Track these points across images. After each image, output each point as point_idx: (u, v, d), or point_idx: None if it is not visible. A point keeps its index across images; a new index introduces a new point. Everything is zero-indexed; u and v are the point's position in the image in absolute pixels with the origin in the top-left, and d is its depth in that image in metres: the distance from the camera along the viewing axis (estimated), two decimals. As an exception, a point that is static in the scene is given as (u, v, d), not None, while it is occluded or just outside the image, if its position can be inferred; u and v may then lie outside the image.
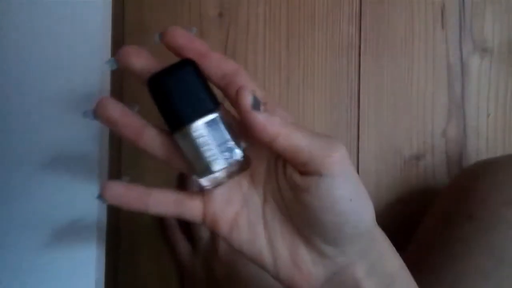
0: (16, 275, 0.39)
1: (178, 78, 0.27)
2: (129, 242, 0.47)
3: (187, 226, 0.46)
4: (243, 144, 0.28)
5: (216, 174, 0.27)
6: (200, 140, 0.27)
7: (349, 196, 0.26)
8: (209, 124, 0.27)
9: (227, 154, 0.27)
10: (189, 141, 0.27)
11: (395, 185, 0.48)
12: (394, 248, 0.30)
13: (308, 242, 0.28)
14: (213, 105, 0.27)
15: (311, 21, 0.48)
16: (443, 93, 0.48)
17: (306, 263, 0.28)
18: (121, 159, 0.47)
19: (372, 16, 0.48)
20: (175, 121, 0.27)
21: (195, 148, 0.27)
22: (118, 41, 0.47)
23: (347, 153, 0.26)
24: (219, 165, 0.27)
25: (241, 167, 0.28)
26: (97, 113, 0.29)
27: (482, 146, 0.48)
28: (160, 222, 0.47)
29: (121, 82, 0.47)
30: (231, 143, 0.27)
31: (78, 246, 0.40)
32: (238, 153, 0.27)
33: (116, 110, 0.29)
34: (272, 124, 0.25)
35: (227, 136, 0.27)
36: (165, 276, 0.47)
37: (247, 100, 0.25)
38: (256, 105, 0.25)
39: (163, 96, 0.27)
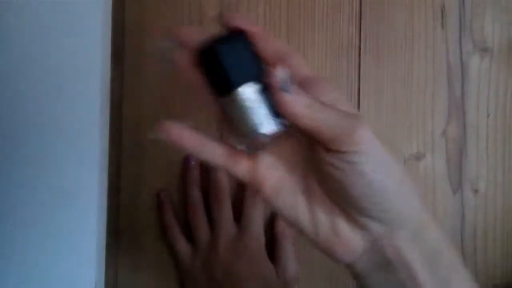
0: (16, 275, 0.39)
1: (230, 45, 0.28)
2: (129, 242, 0.47)
3: (187, 227, 0.46)
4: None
5: (261, 137, 0.28)
6: (247, 104, 0.28)
7: (375, 170, 0.27)
8: (258, 90, 0.28)
9: (271, 121, 0.28)
10: (238, 104, 0.28)
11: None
12: (437, 222, 0.30)
13: (345, 213, 0.29)
14: (262, 74, 0.28)
15: (311, 21, 0.48)
16: (443, 93, 0.48)
17: (344, 231, 0.29)
18: (121, 159, 0.47)
19: (372, 16, 0.48)
20: (226, 84, 0.28)
21: (243, 111, 0.28)
22: (118, 41, 0.47)
23: (369, 130, 0.28)
24: (264, 129, 0.28)
25: (282, 136, 0.29)
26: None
27: (482, 146, 0.48)
28: (160, 222, 0.47)
29: (121, 82, 0.47)
30: (275, 113, 0.28)
31: (78, 246, 0.40)
32: (281, 122, 0.28)
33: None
34: (295, 105, 0.27)
35: (272, 105, 0.28)
36: (165, 276, 0.47)
37: (277, 78, 0.27)
38: (285, 84, 0.27)
39: (215, 61, 0.28)
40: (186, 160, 0.47)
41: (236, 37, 0.29)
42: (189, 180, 0.46)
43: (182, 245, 0.45)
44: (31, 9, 0.40)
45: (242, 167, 0.30)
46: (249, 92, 0.28)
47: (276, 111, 0.28)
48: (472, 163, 0.48)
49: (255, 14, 0.48)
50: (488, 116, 0.48)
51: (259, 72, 0.29)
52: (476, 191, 0.48)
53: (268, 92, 0.28)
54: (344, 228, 0.29)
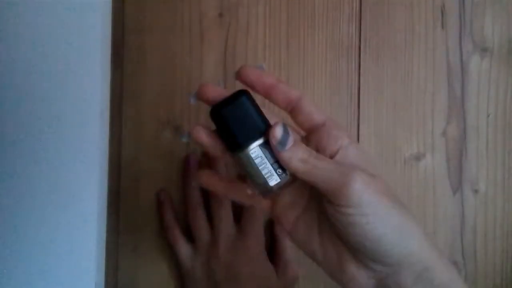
0: (16, 275, 0.39)
1: (234, 107, 0.31)
2: (129, 242, 0.47)
3: (187, 227, 0.46)
4: None
5: (269, 189, 0.31)
6: (255, 161, 0.31)
7: (366, 221, 0.28)
8: (263, 145, 0.31)
9: (277, 174, 0.31)
10: (246, 161, 0.31)
11: (395, 185, 0.48)
12: (445, 259, 0.31)
13: (350, 253, 0.31)
14: (266, 129, 0.31)
15: (311, 21, 0.48)
16: (443, 93, 0.48)
17: (351, 269, 0.31)
18: (121, 159, 0.47)
19: (372, 16, 0.48)
20: (234, 145, 0.31)
21: (251, 167, 0.31)
22: (118, 41, 0.47)
23: (362, 183, 0.28)
24: (272, 182, 0.31)
25: (291, 181, 0.32)
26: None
27: (482, 146, 0.48)
28: (160, 222, 0.47)
29: (121, 82, 0.47)
30: (272, 168, 0.31)
31: (78, 246, 0.40)
32: (282, 175, 0.31)
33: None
34: (291, 162, 0.30)
35: (271, 159, 0.31)
36: (165, 277, 0.47)
37: (275, 137, 0.30)
38: (283, 141, 0.30)
39: (223, 124, 0.31)
40: (186, 160, 0.47)
41: (239, 97, 0.31)
42: (190, 180, 0.46)
43: (182, 245, 0.45)
44: (31, 9, 0.40)
45: (264, 206, 0.35)
46: (255, 151, 0.31)
47: (276, 165, 0.31)
48: (472, 163, 0.48)
49: (255, 14, 0.48)
50: (488, 116, 0.48)
51: (263, 126, 0.31)
52: (476, 191, 0.48)
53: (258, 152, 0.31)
54: (351, 266, 0.31)
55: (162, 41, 0.47)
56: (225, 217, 0.45)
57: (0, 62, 0.39)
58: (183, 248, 0.45)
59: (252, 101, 0.31)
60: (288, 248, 0.46)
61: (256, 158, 0.31)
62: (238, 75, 0.33)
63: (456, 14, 0.48)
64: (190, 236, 0.46)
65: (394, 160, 0.48)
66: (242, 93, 0.31)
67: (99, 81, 0.41)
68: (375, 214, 0.29)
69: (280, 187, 0.31)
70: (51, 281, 0.39)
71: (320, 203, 0.32)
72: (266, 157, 0.31)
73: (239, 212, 0.46)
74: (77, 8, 0.41)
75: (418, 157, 0.48)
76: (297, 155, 0.30)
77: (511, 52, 0.49)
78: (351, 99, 0.48)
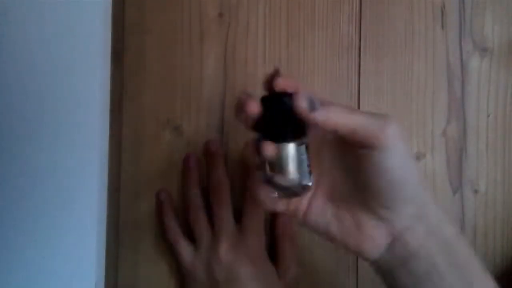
0: (16, 275, 0.39)
1: (290, 101, 0.31)
2: (129, 242, 0.47)
3: (187, 227, 0.46)
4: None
5: (300, 188, 0.33)
6: (298, 156, 0.32)
7: (398, 165, 0.31)
8: (304, 146, 0.33)
9: (308, 175, 0.33)
10: (290, 154, 0.32)
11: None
12: (449, 217, 0.34)
13: (368, 208, 0.32)
14: (302, 132, 0.33)
15: (311, 21, 0.48)
16: (443, 93, 0.48)
17: (368, 227, 0.33)
18: (121, 159, 0.47)
19: (372, 16, 0.48)
20: (285, 134, 0.32)
21: (294, 162, 0.32)
22: (118, 41, 0.47)
23: (397, 128, 0.31)
24: (306, 181, 0.33)
25: (305, 191, 0.34)
26: None
27: (482, 146, 0.48)
28: (160, 222, 0.47)
29: (121, 82, 0.47)
30: (305, 170, 0.33)
31: (78, 246, 0.40)
32: (311, 179, 0.33)
33: None
34: (330, 117, 0.30)
35: (304, 162, 0.33)
36: (165, 277, 0.47)
37: (304, 104, 0.30)
38: (312, 105, 0.30)
39: (280, 111, 0.32)
40: (186, 160, 0.47)
41: (288, 96, 0.32)
42: (190, 180, 0.46)
43: (183, 245, 0.45)
44: (31, 9, 0.40)
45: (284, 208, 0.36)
46: (300, 147, 0.32)
47: (308, 169, 0.33)
48: (472, 163, 0.48)
49: (255, 14, 0.48)
50: (488, 116, 0.48)
51: (305, 129, 0.33)
52: (476, 191, 0.48)
53: (307, 149, 0.33)
54: (368, 224, 0.33)
55: (162, 41, 0.47)
56: (226, 216, 0.45)
57: (0, 62, 0.39)
58: (184, 248, 0.45)
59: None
60: (289, 248, 0.46)
61: (299, 154, 0.32)
62: (270, 83, 0.33)
63: (456, 14, 0.48)
64: (190, 236, 0.46)
65: (394, 160, 0.48)
66: (290, 93, 0.32)
67: (99, 81, 0.41)
68: (406, 157, 0.31)
69: (307, 190, 0.34)
70: (51, 281, 0.39)
71: (335, 163, 0.34)
72: (305, 157, 0.33)
73: (239, 212, 0.46)
74: (77, 8, 0.41)
75: (418, 157, 0.48)
76: (332, 108, 0.31)
77: (511, 52, 0.49)
78: (351, 99, 0.48)
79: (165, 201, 0.46)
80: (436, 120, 0.48)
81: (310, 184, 0.33)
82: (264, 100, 0.32)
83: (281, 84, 0.32)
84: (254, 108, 0.31)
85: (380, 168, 0.31)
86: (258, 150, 0.32)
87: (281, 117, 0.32)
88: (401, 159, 0.31)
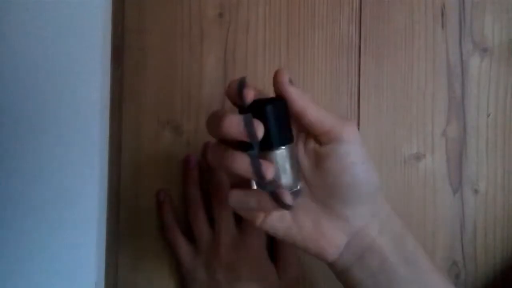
0: (17, 275, 0.39)
1: (280, 107, 0.32)
2: (129, 242, 0.47)
3: (188, 227, 0.46)
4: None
5: (299, 192, 0.33)
6: (291, 160, 0.33)
7: (362, 160, 0.33)
8: (291, 150, 0.33)
9: (294, 180, 0.33)
10: (284, 159, 0.32)
11: (395, 185, 0.48)
12: (395, 211, 0.36)
13: (329, 210, 0.34)
14: (291, 138, 0.33)
15: (311, 21, 0.48)
16: (443, 93, 0.48)
17: (328, 229, 0.34)
18: (121, 159, 0.47)
19: (372, 16, 0.48)
20: (276, 140, 0.32)
21: (286, 166, 0.32)
22: (118, 41, 0.47)
23: (356, 129, 0.33)
24: (300, 184, 0.34)
25: (298, 196, 0.34)
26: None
27: (482, 146, 0.48)
28: (160, 222, 0.47)
29: (121, 82, 0.47)
30: (296, 174, 0.33)
31: (78, 246, 0.40)
32: (299, 184, 0.34)
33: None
34: (305, 97, 0.32)
35: (294, 167, 0.33)
36: (165, 276, 0.47)
37: (285, 77, 0.32)
38: (291, 82, 0.32)
39: (272, 118, 0.31)
40: (186, 160, 0.47)
41: (281, 100, 0.32)
42: (190, 180, 0.46)
43: (183, 246, 0.45)
44: (31, 9, 0.40)
45: None
46: (290, 151, 0.33)
47: (298, 174, 0.33)
48: (472, 163, 0.48)
49: (255, 14, 0.48)
50: (488, 116, 0.48)
51: (292, 133, 0.33)
52: (476, 191, 0.48)
53: (294, 156, 0.33)
54: (328, 225, 0.34)
55: (162, 41, 0.47)
56: (227, 217, 0.45)
57: (0, 62, 0.39)
58: (184, 248, 0.45)
59: (287, 108, 0.33)
60: (289, 248, 0.46)
61: (291, 158, 0.33)
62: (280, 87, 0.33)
63: (456, 14, 0.48)
64: (190, 236, 0.46)
65: (394, 160, 0.48)
66: (279, 99, 0.33)
67: (99, 81, 0.41)
68: (366, 155, 0.33)
69: (299, 195, 0.34)
70: (51, 281, 0.39)
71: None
72: (295, 161, 0.33)
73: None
74: (78, 8, 0.41)
75: (418, 157, 0.48)
76: (306, 94, 0.33)
77: (511, 52, 0.49)
78: (351, 99, 0.48)
79: (165, 201, 0.46)
80: (436, 120, 0.48)
81: (298, 188, 0.34)
82: (254, 109, 0.31)
83: (251, 96, 0.31)
84: (251, 96, 0.31)
85: (344, 162, 0.32)
86: (255, 166, 0.31)
87: (276, 121, 0.32)
88: (363, 156, 0.33)
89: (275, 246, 0.46)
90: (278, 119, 0.32)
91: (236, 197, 0.33)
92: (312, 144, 0.34)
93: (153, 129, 0.47)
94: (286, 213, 0.34)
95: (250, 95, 0.31)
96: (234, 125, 0.30)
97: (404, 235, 0.35)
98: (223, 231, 0.44)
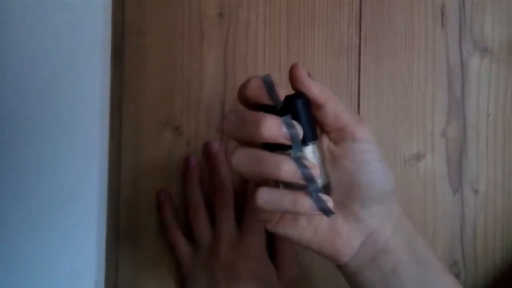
0: (17, 275, 0.39)
1: (300, 105, 0.31)
2: (129, 242, 0.47)
3: (188, 227, 0.46)
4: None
5: (329, 185, 0.32)
6: (314, 158, 0.31)
7: (378, 158, 0.32)
8: (318, 146, 0.32)
9: (323, 176, 0.32)
10: (314, 154, 0.31)
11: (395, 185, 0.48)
12: (405, 212, 0.35)
13: (345, 210, 0.33)
14: (317, 134, 0.32)
15: (311, 21, 0.48)
16: (443, 93, 0.48)
17: (344, 229, 0.33)
18: (121, 159, 0.47)
19: (372, 16, 0.48)
20: (310, 135, 0.31)
21: (317, 161, 0.31)
22: (118, 42, 0.47)
23: (370, 129, 0.32)
24: (325, 180, 0.32)
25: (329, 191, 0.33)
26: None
27: (482, 146, 0.48)
28: (160, 222, 0.47)
29: (121, 82, 0.47)
30: (323, 170, 0.32)
31: (78, 246, 0.40)
32: (325, 181, 0.32)
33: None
34: (326, 89, 0.31)
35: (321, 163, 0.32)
36: (165, 276, 0.47)
37: (304, 71, 0.31)
38: (309, 75, 0.31)
39: (306, 114, 0.31)
40: (186, 160, 0.47)
41: (303, 97, 0.31)
42: (190, 180, 0.46)
43: (183, 246, 0.45)
44: (31, 9, 0.40)
45: None
46: (316, 148, 0.31)
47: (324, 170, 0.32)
48: (472, 163, 0.48)
49: (255, 14, 0.48)
50: (488, 116, 0.48)
51: (317, 132, 0.32)
52: (476, 191, 0.48)
53: (320, 150, 0.32)
54: (344, 226, 0.33)
55: (162, 41, 0.47)
56: (228, 217, 0.45)
57: (1, 63, 0.39)
58: (184, 249, 0.45)
59: (310, 105, 0.32)
60: (288, 248, 0.46)
61: (319, 154, 0.32)
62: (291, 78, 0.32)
63: (456, 14, 0.48)
64: (190, 236, 0.46)
65: (394, 160, 0.48)
66: (302, 95, 0.31)
67: (99, 82, 0.41)
68: (380, 152, 0.32)
69: (330, 190, 0.33)
70: (51, 281, 0.39)
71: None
72: (319, 159, 0.32)
73: (240, 213, 0.46)
74: (77, 8, 0.41)
75: (418, 157, 0.48)
76: (326, 88, 0.31)
77: (511, 52, 0.49)
78: (351, 99, 0.48)
79: (165, 201, 0.46)
80: (436, 120, 0.48)
81: (326, 182, 0.32)
82: (298, 100, 0.30)
83: (283, 94, 0.30)
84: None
85: (361, 161, 0.32)
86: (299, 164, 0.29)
87: (306, 117, 0.31)
88: (378, 154, 0.32)
89: (274, 246, 0.46)
90: (306, 115, 0.31)
91: (266, 196, 0.30)
92: (326, 142, 0.33)
93: (153, 129, 0.47)
94: (300, 219, 0.33)
95: (282, 93, 0.29)
96: (276, 128, 0.29)
97: (415, 235, 0.34)
98: (223, 231, 0.44)
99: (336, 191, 0.33)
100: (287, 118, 0.29)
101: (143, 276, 0.47)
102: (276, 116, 0.29)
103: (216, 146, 0.46)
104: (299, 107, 0.30)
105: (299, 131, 0.29)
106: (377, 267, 0.33)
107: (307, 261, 0.47)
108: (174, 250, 0.46)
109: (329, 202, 0.30)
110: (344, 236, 0.33)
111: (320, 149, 0.32)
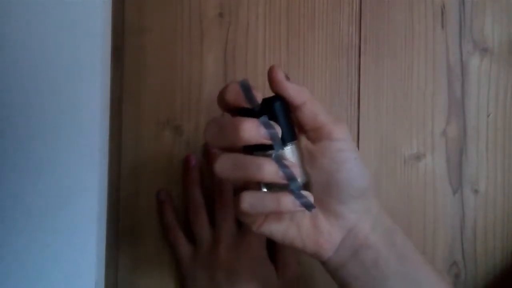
0: (16, 275, 0.39)
1: (277, 107, 0.32)
2: (129, 241, 0.47)
3: (188, 227, 0.46)
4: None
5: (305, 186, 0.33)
6: (298, 156, 0.33)
7: (354, 156, 0.33)
8: (297, 146, 0.33)
9: (304, 175, 0.33)
10: (293, 154, 0.32)
11: (395, 185, 0.48)
12: (383, 208, 0.36)
13: (324, 207, 0.34)
14: (296, 134, 0.33)
15: (311, 21, 0.48)
16: (443, 93, 0.48)
17: (325, 226, 0.34)
18: (121, 159, 0.47)
19: (372, 16, 0.48)
20: (288, 135, 0.32)
21: (298, 162, 0.32)
22: (118, 41, 0.47)
23: (347, 128, 0.34)
24: (302, 180, 0.33)
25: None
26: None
27: (482, 146, 0.48)
28: (160, 222, 0.47)
29: (121, 82, 0.47)
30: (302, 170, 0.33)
31: (78, 246, 0.40)
32: (304, 179, 0.33)
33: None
34: (303, 91, 0.32)
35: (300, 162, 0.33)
36: (165, 276, 0.47)
37: (281, 74, 0.32)
38: (287, 78, 0.32)
39: (283, 115, 0.32)
40: (186, 160, 0.47)
41: (279, 99, 0.32)
42: (190, 180, 0.46)
43: (183, 245, 0.45)
44: (31, 9, 0.40)
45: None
46: (293, 150, 0.32)
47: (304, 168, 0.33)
48: (472, 163, 0.48)
49: (255, 14, 0.48)
50: (488, 116, 0.48)
51: (295, 132, 0.33)
52: (476, 191, 0.48)
53: (299, 150, 0.33)
54: (324, 222, 0.34)
55: (162, 41, 0.47)
56: (228, 217, 0.45)
57: (1, 63, 0.39)
58: (184, 248, 0.45)
59: (286, 106, 0.33)
60: (288, 248, 0.46)
61: (298, 154, 0.33)
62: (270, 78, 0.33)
63: (456, 14, 0.48)
64: (190, 236, 0.46)
65: (394, 160, 0.48)
66: (278, 97, 0.32)
67: (99, 81, 0.41)
68: (355, 150, 0.34)
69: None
70: (52, 281, 0.39)
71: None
72: (298, 159, 0.33)
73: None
74: (77, 8, 0.41)
75: (418, 157, 0.48)
76: (304, 88, 0.33)
77: (511, 52, 0.49)
78: (351, 99, 0.48)
79: (165, 201, 0.46)
80: (436, 120, 0.48)
81: (304, 182, 0.33)
82: (261, 110, 0.31)
83: (260, 96, 0.31)
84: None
85: (338, 159, 0.33)
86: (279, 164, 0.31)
87: (284, 119, 0.32)
88: (354, 151, 0.33)
89: (274, 247, 0.46)
90: (284, 116, 0.32)
91: (250, 199, 0.32)
92: (304, 141, 0.34)
93: (153, 129, 0.47)
94: (283, 218, 0.35)
95: (259, 96, 0.31)
96: (254, 129, 0.30)
97: (394, 230, 0.36)
98: (223, 231, 0.44)
99: (315, 188, 0.34)
100: (264, 118, 0.30)
101: (143, 276, 0.47)
102: (254, 118, 0.30)
103: (216, 146, 0.46)
104: (276, 108, 0.31)
105: (277, 129, 0.31)
106: (359, 261, 0.34)
107: (307, 261, 0.47)
108: (174, 250, 0.46)
109: (310, 197, 0.32)
110: (325, 232, 0.34)
111: (299, 148, 0.33)
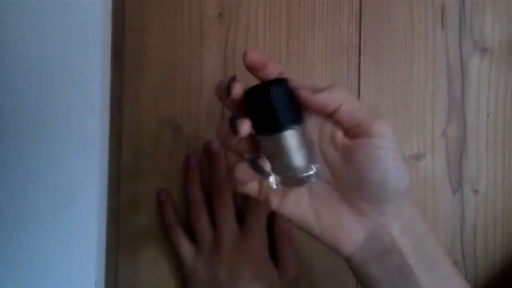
0: (17, 275, 0.39)
1: (278, 89, 0.31)
2: (129, 242, 0.47)
3: (188, 227, 0.46)
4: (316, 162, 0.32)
5: (302, 178, 0.31)
6: (292, 146, 0.31)
7: (393, 156, 0.31)
8: (299, 133, 0.31)
9: (311, 164, 0.31)
10: (282, 145, 0.31)
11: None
12: (419, 212, 0.34)
13: (351, 204, 0.33)
14: (300, 118, 0.32)
15: (311, 21, 0.48)
16: (443, 93, 0.48)
17: (347, 221, 0.33)
18: (121, 159, 0.47)
19: (372, 16, 0.48)
20: (274, 124, 0.31)
21: (287, 152, 0.31)
22: (118, 41, 0.47)
23: (389, 124, 0.31)
24: (306, 171, 0.31)
25: (309, 180, 0.32)
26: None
27: (482, 146, 0.48)
28: (160, 222, 0.47)
29: (121, 82, 0.47)
30: (309, 156, 0.31)
31: (78, 246, 0.40)
32: (314, 167, 0.31)
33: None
34: (335, 95, 0.31)
35: (306, 149, 0.31)
36: (165, 277, 0.47)
37: (306, 92, 0.31)
38: (315, 92, 0.31)
39: (268, 102, 0.31)
40: (187, 159, 0.47)
41: (280, 82, 0.31)
42: (191, 180, 0.46)
43: (184, 246, 0.45)
44: (31, 9, 0.40)
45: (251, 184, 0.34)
46: (292, 135, 0.31)
47: (311, 155, 0.32)
48: (472, 163, 0.48)
49: (255, 14, 0.48)
50: (488, 116, 0.48)
51: (299, 114, 0.32)
52: (476, 191, 0.48)
53: (305, 137, 0.32)
54: (347, 218, 0.33)
55: (162, 41, 0.47)
56: (228, 217, 0.45)
57: (1, 63, 0.39)
58: (185, 248, 0.45)
59: (290, 89, 0.31)
60: (288, 248, 0.46)
61: (301, 139, 0.31)
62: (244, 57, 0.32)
63: (456, 14, 0.48)
64: (191, 236, 0.46)
65: (394, 160, 0.48)
66: (281, 79, 0.31)
67: (99, 81, 0.41)
68: (396, 151, 0.31)
69: (313, 177, 0.32)
70: (52, 281, 0.39)
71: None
72: (302, 146, 0.31)
73: (241, 213, 0.46)
74: (77, 8, 0.41)
75: (418, 157, 0.48)
76: (334, 90, 0.31)
77: (511, 52, 0.49)
78: (351, 99, 0.48)
79: (165, 201, 0.46)
80: (436, 120, 0.48)
81: (314, 171, 0.32)
82: (254, 91, 0.31)
83: (238, 86, 0.31)
84: (239, 91, 0.31)
85: (374, 157, 0.31)
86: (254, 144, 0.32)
87: (283, 102, 0.31)
88: (394, 152, 0.31)
89: (275, 247, 0.46)
90: (282, 100, 0.31)
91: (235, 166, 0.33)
92: (340, 135, 0.32)
93: (153, 129, 0.47)
94: (304, 199, 0.34)
95: (237, 86, 0.30)
96: (225, 128, 0.31)
97: (426, 238, 0.34)
98: (224, 230, 0.44)
99: (344, 184, 0.33)
100: (233, 117, 0.31)
101: (143, 276, 0.47)
102: (225, 121, 0.31)
103: (216, 146, 0.46)
104: (272, 93, 0.31)
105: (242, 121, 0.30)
106: (382, 265, 0.33)
107: (308, 261, 0.47)
108: (176, 250, 0.46)
109: (265, 164, 0.32)
110: (345, 228, 0.33)
111: (308, 137, 0.32)
